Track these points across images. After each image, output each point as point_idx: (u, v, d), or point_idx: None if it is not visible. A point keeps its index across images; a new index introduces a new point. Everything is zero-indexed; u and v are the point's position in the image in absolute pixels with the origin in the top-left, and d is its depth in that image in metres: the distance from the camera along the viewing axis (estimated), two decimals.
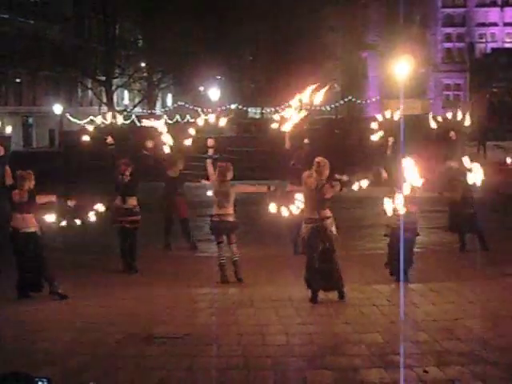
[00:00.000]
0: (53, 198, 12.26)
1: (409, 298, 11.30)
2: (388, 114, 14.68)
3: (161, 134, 15.02)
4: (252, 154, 33.92)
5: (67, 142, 42.06)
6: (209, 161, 13.07)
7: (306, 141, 13.99)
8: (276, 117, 14.68)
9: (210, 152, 13.11)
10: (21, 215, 11.82)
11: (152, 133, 15.83)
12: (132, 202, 14.13)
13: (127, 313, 10.99)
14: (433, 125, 15.97)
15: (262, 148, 33.82)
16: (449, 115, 16.01)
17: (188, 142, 13.46)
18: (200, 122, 13.74)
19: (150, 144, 15.03)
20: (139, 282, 13.11)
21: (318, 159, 11.45)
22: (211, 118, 13.82)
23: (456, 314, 10.56)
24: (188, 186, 18.81)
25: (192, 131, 13.49)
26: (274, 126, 14.93)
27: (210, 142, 13.17)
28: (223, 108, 40.03)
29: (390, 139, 13.42)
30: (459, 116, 15.59)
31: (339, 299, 11.37)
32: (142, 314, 10.90)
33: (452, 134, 16.09)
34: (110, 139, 15.06)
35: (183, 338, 9.65)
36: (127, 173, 14.10)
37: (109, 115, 17.02)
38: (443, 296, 11.67)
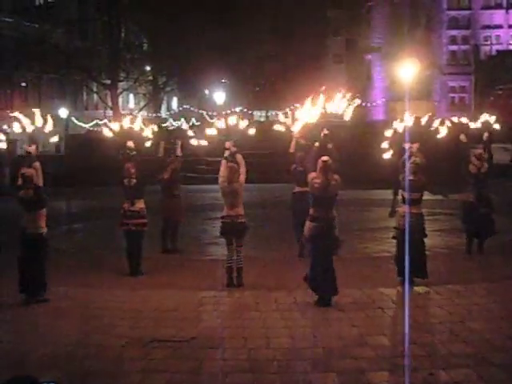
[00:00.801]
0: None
1: (414, 301, 11.29)
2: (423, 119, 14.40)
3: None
4: (256, 157, 33.89)
5: (72, 146, 42.10)
6: (224, 161, 13.05)
7: (316, 144, 14.04)
8: (282, 119, 14.65)
9: (226, 153, 13.10)
10: (29, 213, 11.88)
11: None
12: (139, 204, 14.12)
13: (132, 316, 10.99)
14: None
15: (266, 151, 33.82)
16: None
17: (204, 143, 13.49)
18: (220, 124, 13.75)
19: (131, 144, 15.10)
20: (144, 285, 13.11)
21: (324, 158, 11.45)
22: (232, 120, 13.79)
23: (461, 317, 10.55)
24: (190, 189, 18.83)
25: (213, 132, 13.50)
26: (277, 127, 14.96)
27: (228, 144, 13.16)
28: (229, 111, 40.11)
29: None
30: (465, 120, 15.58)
31: (322, 305, 11.33)
32: (148, 317, 10.90)
33: (462, 137, 16.05)
34: (130, 143, 15.06)
35: (188, 341, 9.65)
36: (133, 176, 14.10)
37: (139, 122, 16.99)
38: (449, 298, 11.66)
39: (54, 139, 12.47)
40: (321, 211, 11.34)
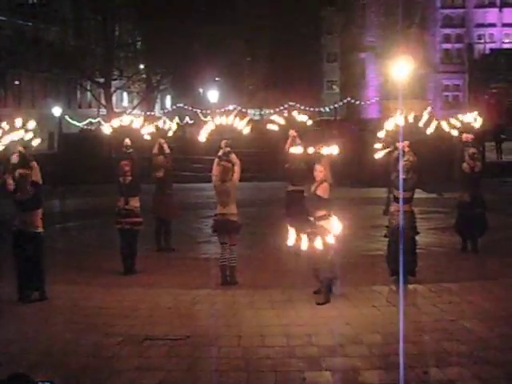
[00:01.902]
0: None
1: (408, 299, 11.31)
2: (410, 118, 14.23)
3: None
4: (251, 156, 33.93)
5: (66, 144, 42.08)
6: (216, 160, 13.02)
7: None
8: (276, 118, 14.62)
9: (220, 152, 13.05)
10: (25, 213, 11.87)
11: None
12: (134, 203, 14.07)
13: (127, 314, 10.99)
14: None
15: (261, 150, 33.87)
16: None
17: (203, 138, 13.42)
18: (211, 125, 13.65)
19: (128, 142, 15.08)
20: (139, 283, 13.10)
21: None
22: (229, 119, 13.69)
23: (455, 315, 10.57)
24: (185, 187, 18.78)
25: (209, 128, 13.45)
26: (270, 126, 14.98)
27: (223, 143, 13.12)
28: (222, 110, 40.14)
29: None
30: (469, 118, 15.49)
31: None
32: (142, 316, 10.90)
33: (464, 136, 15.99)
34: (127, 141, 15.01)
35: (183, 339, 9.65)
36: (128, 174, 14.06)
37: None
38: (442, 297, 11.68)
39: (36, 142, 12.26)
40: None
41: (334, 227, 10.68)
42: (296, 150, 11.03)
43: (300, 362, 8.64)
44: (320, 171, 11.61)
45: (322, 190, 11.46)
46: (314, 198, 11.50)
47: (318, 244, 10.50)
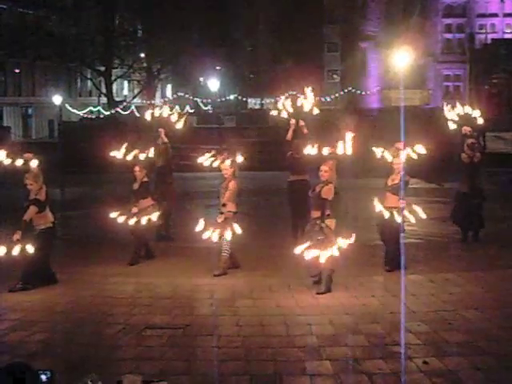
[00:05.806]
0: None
1: (408, 289, 11.31)
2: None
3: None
4: (253, 145, 33.87)
5: (67, 133, 41.95)
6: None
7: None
8: (281, 106, 14.49)
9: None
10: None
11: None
12: (145, 203, 14.09)
13: (127, 303, 11.00)
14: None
15: (262, 139, 33.83)
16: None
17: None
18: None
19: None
20: (139, 273, 13.11)
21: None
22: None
23: (455, 305, 10.59)
24: (185, 176, 18.73)
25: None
26: (274, 112, 14.91)
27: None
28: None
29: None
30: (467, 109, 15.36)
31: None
32: (142, 305, 10.91)
33: (465, 128, 15.89)
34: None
35: (183, 328, 9.67)
36: (138, 179, 14.11)
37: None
38: (442, 287, 11.69)
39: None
40: None
41: (339, 240, 10.68)
42: (310, 151, 10.93)
43: (300, 352, 8.65)
44: (325, 171, 11.54)
45: (327, 192, 11.42)
46: (319, 199, 11.45)
47: (323, 257, 10.57)
